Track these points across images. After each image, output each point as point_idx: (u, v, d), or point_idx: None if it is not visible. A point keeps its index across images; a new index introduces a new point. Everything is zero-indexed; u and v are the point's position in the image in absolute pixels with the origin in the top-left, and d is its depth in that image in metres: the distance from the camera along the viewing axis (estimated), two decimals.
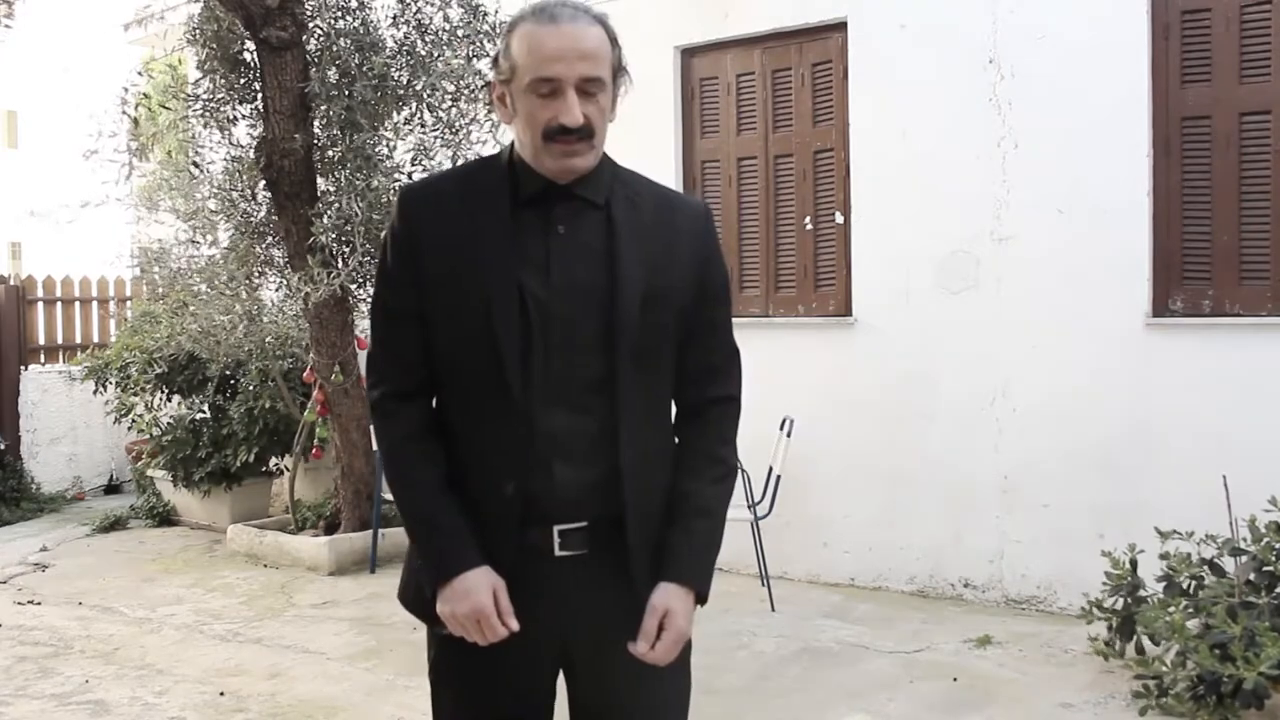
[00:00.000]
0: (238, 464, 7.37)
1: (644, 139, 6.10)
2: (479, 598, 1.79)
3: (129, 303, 9.67)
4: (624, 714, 1.93)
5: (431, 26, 6.13)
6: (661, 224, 1.90)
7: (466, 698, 1.90)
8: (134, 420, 8.02)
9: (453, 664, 1.90)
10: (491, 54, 5.98)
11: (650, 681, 1.87)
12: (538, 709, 1.94)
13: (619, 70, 1.84)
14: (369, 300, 6.48)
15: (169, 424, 7.79)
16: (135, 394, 7.85)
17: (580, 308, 1.82)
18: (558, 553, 1.84)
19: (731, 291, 2.05)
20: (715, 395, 1.98)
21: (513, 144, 1.89)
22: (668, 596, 1.85)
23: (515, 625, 1.80)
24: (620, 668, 1.86)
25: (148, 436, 7.97)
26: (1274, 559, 3.92)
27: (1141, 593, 4.29)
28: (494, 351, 1.80)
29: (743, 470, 5.42)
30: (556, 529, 1.83)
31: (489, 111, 6.06)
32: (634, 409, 1.85)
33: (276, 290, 6.79)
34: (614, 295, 1.82)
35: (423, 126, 6.18)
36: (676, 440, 1.99)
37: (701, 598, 1.90)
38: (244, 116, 6.47)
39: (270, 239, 6.55)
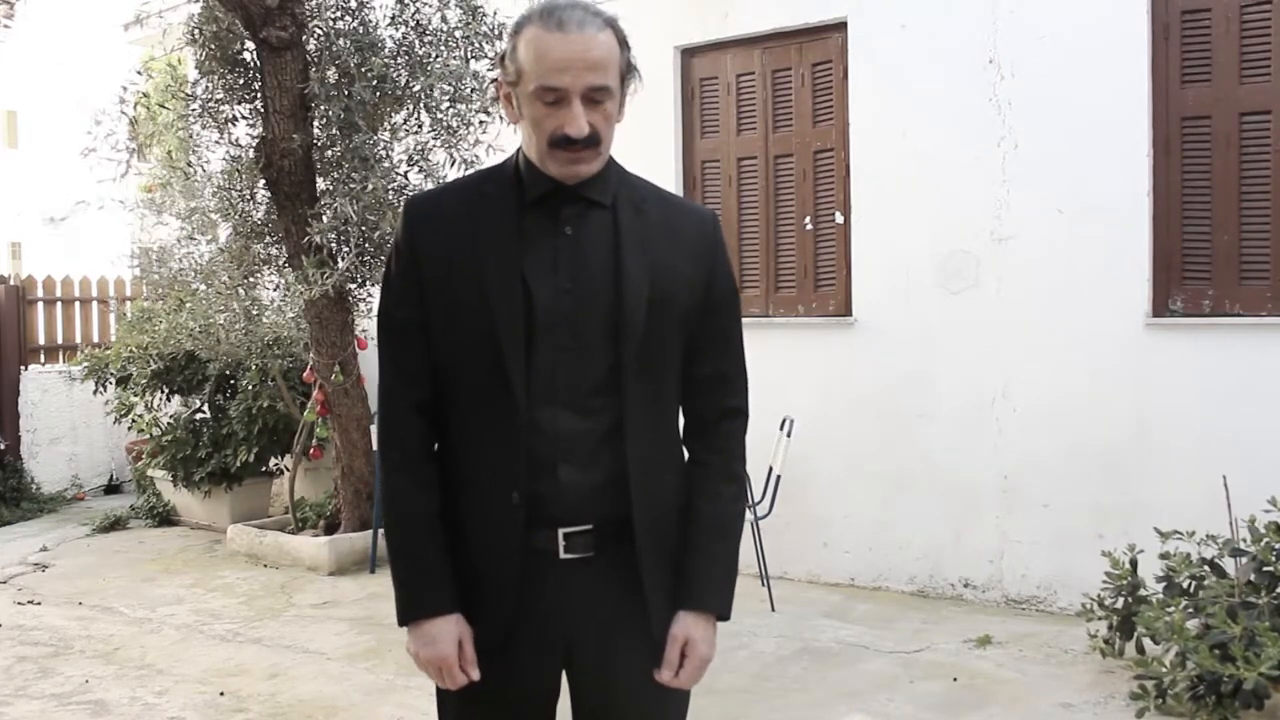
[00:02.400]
0: (238, 464, 7.37)
1: (644, 139, 6.09)
2: (442, 647, 1.83)
3: (129, 303, 9.67)
4: (624, 714, 1.94)
5: (430, 27, 6.13)
6: (667, 228, 1.89)
7: (471, 696, 1.90)
8: (134, 420, 8.02)
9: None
10: (490, 55, 6.02)
11: (651, 683, 1.88)
12: (541, 708, 1.94)
13: (628, 72, 1.81)
14: (368, 300, 6.53)
15: (169, 424, 7.79)
16: (135, 394, 7.85)
17: (585, 309, 1.81)
18: (563, 555, 1.83)
19: (739, 300, 2.04)
20: (728, 407, 1.97)
21: (520, 145, 1.89)
22: (688, 626, 1.88)
23: (476, 675, 1.84)
24: (621, 669, 1.88)
25: (148, 436, 7.97)
26: (1274, 559, 3.92)
27: (1141, 593, 4.30)
28: (497, 354, 1.79)
29: None
30: (562, 532, 1.83)
31: (486, 112, 6.07)
32: (639, 411, 1.84)
33: (275, 290, 6.79)
34: (619, 297, 1.81)
35: (420, 127, 6.18)
36: (687, 452, 1.99)
37: (724, 618, 1.93)
38: (243, 117, 6.47)
39: (268, 238, 6.55)
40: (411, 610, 1.86)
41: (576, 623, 1.87)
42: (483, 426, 1.84)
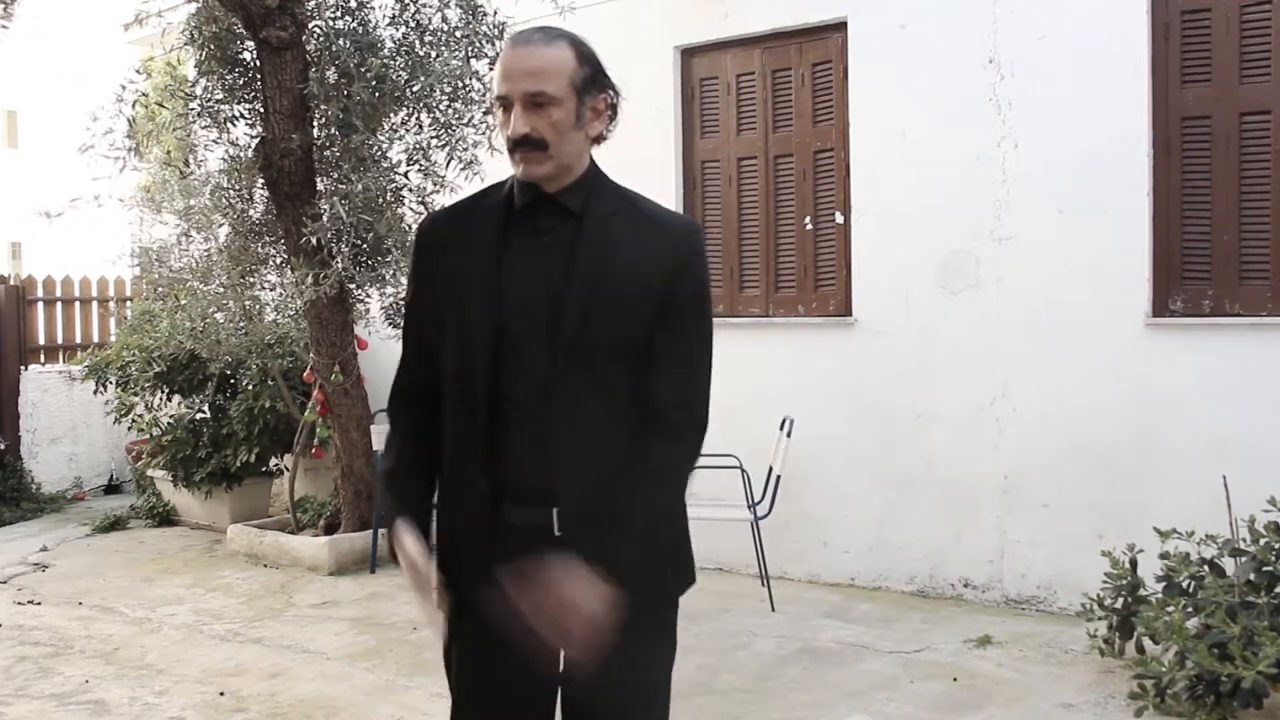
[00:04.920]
0: (238, 464, 7.37)
1: (644, 139, 6.11)
2: (406, 542, 1.99)
3: (129, 302, 9.67)
4: (593, 686, 2.00)
5: (430, 27, 6.12)
6: (630, 239, 1.96)
7: (476, 670, 2.03)
8: (134, 420, 8.01)
9: (467, 641, 2.05)
10: (490, 55, 6.03)
11: (616, 660, 1.96)
12: (544, 690, 2.04)
13: (588, 85, 1.93)
14: (367, 301, 6.53)
15: (169, 424, 7.79)
16: (135, 394, 7.85)
17: (535, 313, 1.93)
18: (557, 532, 1.93)
19: (707, 310, 2.05)
20: (669, 401, 1.96)
21: None
22: (575, 585, 1.82)
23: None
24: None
25: (148, 436, 7.97)
26: (1273, 559, 3.92)
27: (1141, 592, 4.30)
28: (469, 350, 1.97)
29: (743, 470, 5.43)
30: (556, 511, 1.93)
31: (484, 113, 6.07)
32: (573, 404, 1.92)
33: (272, 290, 6.79)
34: (559, 302, 1.92)
35: (419, 127, 6.18)
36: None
37: (633, 581, 1.85)
38: (243, 116, 6.47)
39: (266, 238, 6.54)
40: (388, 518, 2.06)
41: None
42: (463, 414, 2.00)
